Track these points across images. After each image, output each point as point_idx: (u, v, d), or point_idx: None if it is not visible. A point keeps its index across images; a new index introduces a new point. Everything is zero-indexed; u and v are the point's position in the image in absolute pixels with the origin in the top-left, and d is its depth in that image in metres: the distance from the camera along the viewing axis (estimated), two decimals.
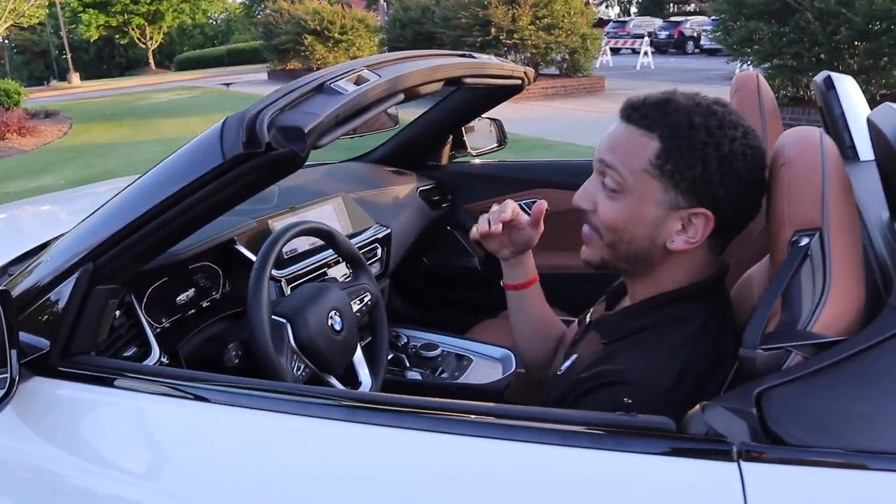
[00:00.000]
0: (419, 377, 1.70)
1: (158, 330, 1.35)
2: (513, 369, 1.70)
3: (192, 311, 1.46)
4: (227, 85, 20.86)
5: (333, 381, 1.32)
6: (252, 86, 20.64)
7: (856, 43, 8.02)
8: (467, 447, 0.82)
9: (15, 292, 1.09)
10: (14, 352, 0.98)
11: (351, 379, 1.40)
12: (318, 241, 1.70)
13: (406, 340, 1.80)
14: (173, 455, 1.00)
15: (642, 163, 0.94)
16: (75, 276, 1.05)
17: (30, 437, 1.03)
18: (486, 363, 1.77)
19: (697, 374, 0.91)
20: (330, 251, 1.76)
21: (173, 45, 47.65)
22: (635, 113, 0.97)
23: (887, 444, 0.71)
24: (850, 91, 1.53)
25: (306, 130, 0.96)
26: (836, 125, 1.49)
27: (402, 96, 1.29)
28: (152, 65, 43.48)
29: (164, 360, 1.28)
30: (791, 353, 0.81)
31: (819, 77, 1.62)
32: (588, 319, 1.18)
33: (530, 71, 1.94)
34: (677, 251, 0.97)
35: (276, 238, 1.31)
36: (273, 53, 22.27)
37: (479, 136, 2.48)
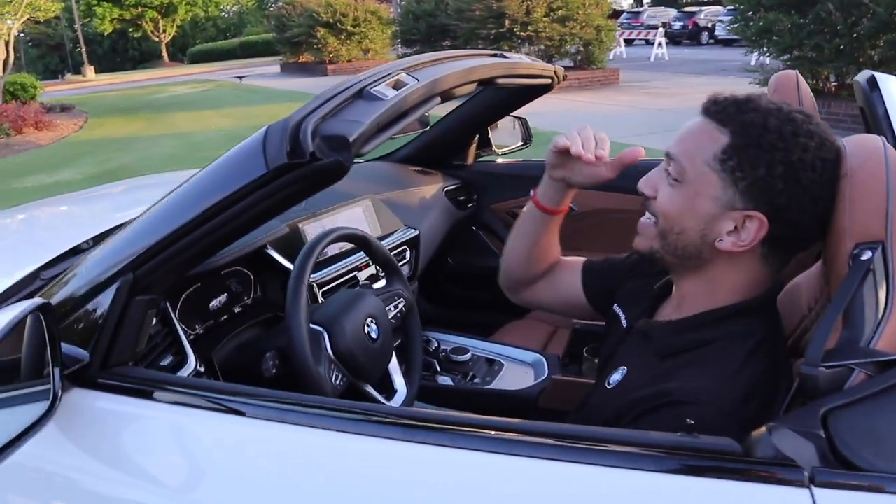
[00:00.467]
0: (450, 382, 1.68)
1: (192, 337, 1.34)
2: (545, 374, 1.68)
3: (225, 316, 1.45)
4: (240, 78, 20.86)
5: (370, 389, 1.30)
6: (265, 79, 20.63)
7: (878, 34, 7.91)
8: (522, 468, 0.80)
9: (53, 301, 1.08)
10: (57, 366, 0.97)
11: (386, 386, 1.38)
12: (348, 245, 1.68)
13: (436, 345, 1.78)
14: (211, 470, 0.99)
15: (706, 156, 0.94)
16: (115, 286, 1.04)
17: (71, 450, 1.02)
18: (517, 368, 1.75)
19: (761, 392, 0.89)
20: (360, 255, 1.74)
21: (186, 38, 47.73)
22: (714, 107, 0.96)
23: None
24: (893, 91, 1.49)
25: (351, 139, 0.94)
26: (879, 125, 1.45)
27: (439, 99, 1.27)
28: (165, 58, 43.57)
29: (201, 368, 1.27)
30: (853, 372, 0.79)
31: (861, 76, 1.58)
32: (625, 323, 1.16)
33: (560, 70, 1.92)
34: (726, 252, 0.95)
35: (314, 245, 1.29)
36: (285, 46, 22.27)
37: (504, 135, 2.46)
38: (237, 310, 1.47)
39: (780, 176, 0.90)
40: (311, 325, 1.23)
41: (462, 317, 2.39)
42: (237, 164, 0.99)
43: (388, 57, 21.43)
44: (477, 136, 2.37)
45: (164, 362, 1.23)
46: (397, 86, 1.15)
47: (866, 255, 0.85)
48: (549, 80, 1.86)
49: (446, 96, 1.31)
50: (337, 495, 0.88)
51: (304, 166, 0.93)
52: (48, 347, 0.96)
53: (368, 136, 0.99)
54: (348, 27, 20.24)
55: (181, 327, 1.30)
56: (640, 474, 0.75)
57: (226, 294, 1.45)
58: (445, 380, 1.68)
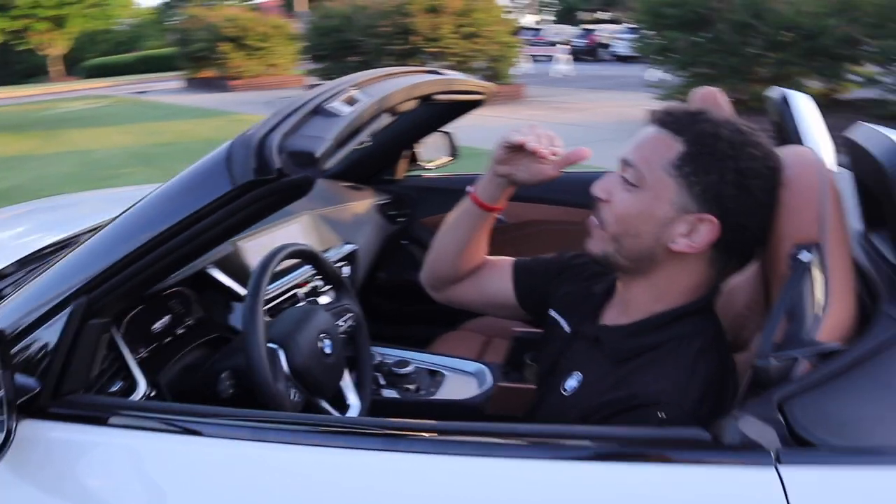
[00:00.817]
0: (396, 395, 1.69)
1: (137, 361, 1.30)
2: (489, 382, 1.71)
3: (169, 338, 1.41)
4: (142, 93, 20.17)
5: (325, 405, 1.30)
6: (167, 94, 20.05)
7: (766, 53, 8.44)
8: (501, 468, 0.83)
9: None
10: (9, 398, 0.92)
11: (339, 401, 1.38)
12: (287, 262, 1.67)
13: (379, 359, 1.78)
14: (173, 492, 0.97)
15: (663, 162, 0.99)
16: (68, 310, 1.00)
17: (26, 489, 0.97)
18: (459, 378, 1.78)
19: (714, 388, 0.94)
20: (299, 272, 1.74)
21: (80, 51, 45.72)
22: (668, 117, 1.02)
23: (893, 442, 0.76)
24: (803, 108, 1.61)
25: (318, 155, 0.95)
26: (791, 138, 1.56)
27: (387, 115, 1.30)
28: (58, 72, 41.60)
29: (152, 393, 1.23)
30: (799, 362, 0.86)
31: (776, 93, 1.70)
32: (568, 329, 1.19)
33: (492, 85, 1.97)
34: (678, 254, 1.00)
35: (266, 263, 1.28)
36: (188, 61, 21.69)
37: (431, 150, 2.49)
38: (180, 331, 1.44)
39: (731, 182, 0.96)
40: (267, 344, 1.22)
41: (395, 331, 2.39)
42: (199, 181, 0.98)
43: (295, 73, 21.21)
44: (406, 152, 2.39)
45: (113, 388, 1.19)
46: (350, 102, 1.16)
47: (805, 256, 0.93)
48: (481, 96, 1.91)
49: (392, 112, 1.34)
50: None
51: (270, 183, 0.93)
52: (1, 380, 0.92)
53: (331, 151, 1.00)
54: (253, 42, 19.94)
55: (127, 351, 1.26)
56: (619, 465, 0.79)
57: (168, 315, 1.41)
58: (391, 393, 1.68)
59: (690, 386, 0.94)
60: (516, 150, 1.15)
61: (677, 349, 0.99)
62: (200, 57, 20.74)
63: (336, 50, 16.00)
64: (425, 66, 1.79)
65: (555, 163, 1.15)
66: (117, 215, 1.08)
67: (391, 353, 1.84)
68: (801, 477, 0.74)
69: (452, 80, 1.73)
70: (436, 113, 2.17)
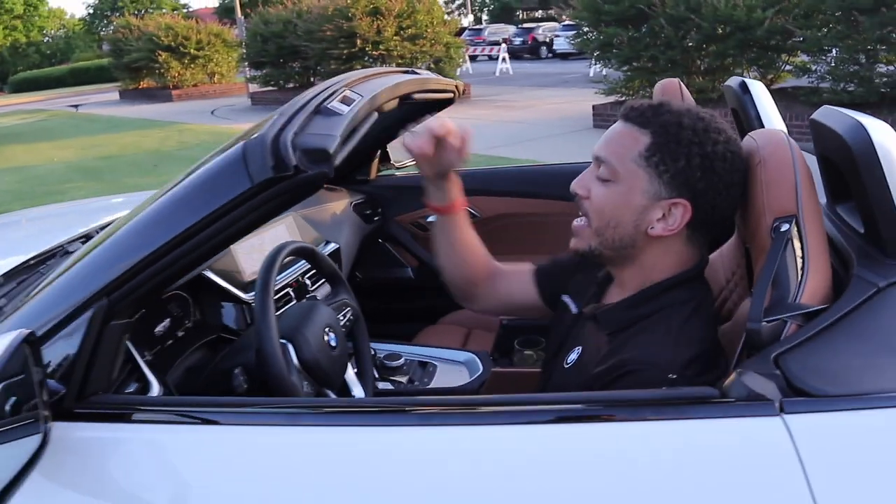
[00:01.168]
0: (390, 387, 1.73)
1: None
2: (480, 370, 1.77)
3: (170, 341, 1.43)
4: (76, 107, 19.65)
5: (333, 396, 1.34)
6: (104, 107, 19.57)
7: (704, 46, 8.71)
8: (533, 434, 0.90)
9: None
10: (43, 401, 0.95)
11: (345, 393, 1.42)
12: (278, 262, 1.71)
13: (372, 353, 1.83)
14: (195, 481, 1.00)
15: (633, 155, 1.07)
16: (89, 313, 1.03)
17: (56, 490, 0.99)
18: (450, 367, 1.83)
19: (702, 351, 1.02)
20: (288, 272, 1.77)
21: (6, 65, 44.30)
22: (632, 112, 1.09)
23: (880, 386, 0.86)
24: (762, 95, 1.72)
25: (331, 151, 1.00)
26: (752, 124, 1.67)
27: (377, 114, 1.35)
28: None
29: (164, 393, 1.26)
30: (787, 323, 0.95)
31: (733, 81, 1.80)
32: (575, 310, 1.27)
33: (461, 84, 2.04)
34: (657, 237, 1.08)
35: (273, 259, 1.31)
36: (124, 72, 21.27)
37: (400, 149, 2.54)
38: (180, 334, 1.46)
39: (698, 166, 1.05)
40: None
41: (376, 328, 2.44)
42: (216, 181, 1.02)
43: (237, 80, 20.95)
44: (379, 151, 2.44)
45: (129, 390, 1.21)
46: (346, 101, 1.21)
47: (784, 227, 1.02)
48: (452, 94, 1.97)
49: (379, 111, 1.39)
50: (320, 486, 0.93)
51: (288, 179, 0.97)
52: (33, 380, 0.94)
53: (340, 147, 1.05)
54: (192, 51, 19.65)
55: (136, 354, 1.28)
56: (642, 424, 0.86)
57: (168, 319, 1.43)
58: (386, 385, 1.73)
59: (678, 349, 1.01)
60: (433, 147, 1.25)
61: (668, 317, 1.06)
62: (137, 67, 20.35)
63: (277, 56, 15.90)
64: (381, 68, 1.84)
65: (456, 148, 1.26)
66: (129, 218, 1.11)
67: (381, 347, 1.89)
68: (803, 422, 0.82)
69: (427, 79, 1.79)
70: (406, 112, 2.22)
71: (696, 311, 1.08)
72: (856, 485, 0.79)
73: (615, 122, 1.14)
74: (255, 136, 1.02)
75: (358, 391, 1.44)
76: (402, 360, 1.81)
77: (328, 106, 1.15)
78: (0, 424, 0.90)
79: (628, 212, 1.08)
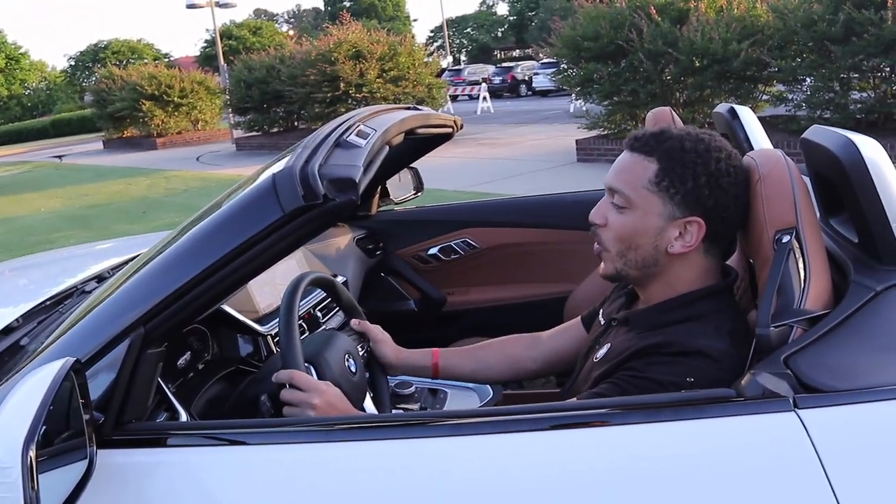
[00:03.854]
0: None
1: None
2: (490, 395, 1.81)
3: (192, 374, 1.47)
4: (60, 157, 19.67)
5: None
6: (88, 157, 19.63)
7: (682, 78, 8.92)
8: (555, 441, 0.94)
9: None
10: (91, 425, 0.98)
11: None
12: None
13: None
14: (227, 499, 1.04)
15: (644, 182, 1.13)
16: (126, 342, 1.07)
17: None
18: (460, 393, 1.87)
19: (741, 351, 1.07)
20: (303, 303, 1.81)
21: None
22: (637, 142, 1.16)
23: (885, 380, 0.91)
24: (750, 120, 1.80)
25: (357, 180, 1.06)
26: (741, 147, 1.74)
27: (387, 148, 1.41)
28: None
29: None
30: (794, 328, 1.00)
31: (722, 108, 1.89)
32: (603, 321, 1.33)
33: (459, 119, 2.11)
34: (677, 254, 1.15)
35: (297, 284, 1.36)
36: (108, 122, 21.39)
37: (398, 185, 2.61)
38: (201, 366, 1.50)
39: (705, 185, 1.12)
40: None
41: None
42: (248, 212, 1.07)
43: (221, 126, 21.10)
44: (379, 187, 2.50)
45: (159, 419, 1.25)
46: (362, 135, 1.27)
47: (786, 239, 1.08)
48: (451, 129, 2.04)
49: (389, 145, 1.45)
50: (343, 499, 0.98)
51: (317, 207, 1.03)
52: (80, 407, 0.97)
53: (363, 177, 1.11)
54: (175, 98, 19.81)
55: (164, 385, 1.32)
56: (663, 425, 0.91)
57: (189, 352, 1.47)
58: (399, 413, 1.76)
59: (722, 340, 1.07)
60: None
61: (690, 325, 1.12)
62: (121, 116, 20.47)
63: (261, 101, 16.07)
64: (386, 105, 1.91)
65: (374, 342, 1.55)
66: (160, 250, 1.16)
67: (391, 377, 1.92)
68: (817, 417, 0.87)
69: (429, 114, 1.86)
70: (405, 149, 2.29)
71: (722, 320, 1.13)
72: (869, 471, 0.85)
73: (612, 153, 1.21)
74: (283, 168, 1.08)
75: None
76: (412, 388, 1.85)
77: (347, 139, 1.21)
78: (51, 450, 0.93)
79: (647, 235, 1.14)
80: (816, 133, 1.25)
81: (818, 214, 1.38)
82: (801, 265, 1.08)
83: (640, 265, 1.17)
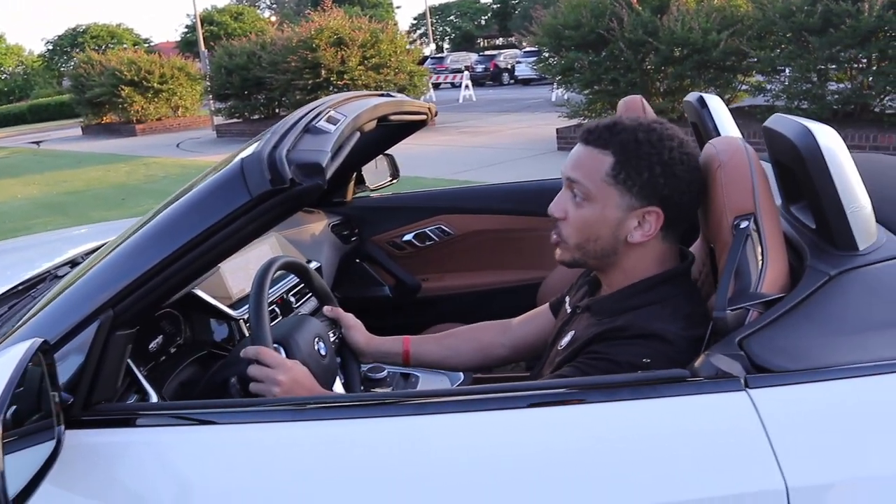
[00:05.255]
0: None
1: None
2: (461, 378, 1.84)
3: (164, 357, 1.48)
4: (38, 143, 19.44)
5: None
6: (67, 142, 19.40)
7: (662, 68, 8.97)
8: (517, 419, 0.97)
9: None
10: (57, 407, 0.99)
11: None
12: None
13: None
14: (198, 478, 1.05)
15: (601, 175, 1.16)
16: (95, 324, 1.08)
17: (69, 496, 1.03)
18: (432, 378, 1.89)
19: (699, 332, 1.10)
20: (276, 288, 1.83)
21: None
22: (591, 136, 1.19)
23: (833, 361, 0.94)
24: (719, 109, 1.83)
25: (324, 165, 1.07)
26: (710, 136, 1.77)
27: (359, 134, 1.42)
28: None
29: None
30: (750, 310, 1.03)
31: (692, 97, 1.92)
32: (569, 308, 1.36)
33: (433, 106, 2.12)
34: (636, 243, 1.17)
35: (267, 268, 1.37)
36: (87, 107, 21.13)
37: (374, 171, 2.62)
38: (173, 350, 1.51)
39: (661, 174, 1.14)
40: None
41: None
42: (216, 196, 1.08)
43: (201, 113, 20.92)
44: (354, 174, 2.51)
45: (130, 401, 1.26)
46: (332, 121, 1.29)
47: (744, 224, 1.11)
48: (425, 116, 2.05)
49: (361, 131, 1.46)
50: (314, 477, 0.99)
51: (284, 192, 1.04)
52: (48, 387, 0.98)
53: (330, 162, 1.13)
54: (155, 84, 19.61)
55: (134, 368, 1.33)
56: (623, 404, 0.94)
57: (161, 335, 1.48)
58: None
59: (677, 324, 1.10)
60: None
61: (651, 309, 1.14)
62: (100, 102, 20.24)
63: (242, 88, 15.95)
64: (359, 92, 1.92)
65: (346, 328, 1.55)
66: (131, 233, 1.17)
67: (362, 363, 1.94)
68: (766, 395, 0.90)
69: (402, 101, 1.87)
70: (378, 136, 2.30)
71: (680, 303, 1.16)
72: (815, 449, 0.88)
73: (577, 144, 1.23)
74: (251, 153, 1.09)
75: None
76: (384, 373, 1.87)
77: (316, 125, 1.23)
78: (19, 431, 0.94)
79: (606, 226, 1.17)
80: (777, 121, 1.28)
81: (779, 201, 1.42)
82: (758, 250, 1.11)
83: (600, 255, 1.20)
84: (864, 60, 7.71)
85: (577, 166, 1.18)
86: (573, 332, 1.25)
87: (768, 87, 8.57)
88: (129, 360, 1.30)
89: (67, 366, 1.08)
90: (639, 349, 1.07)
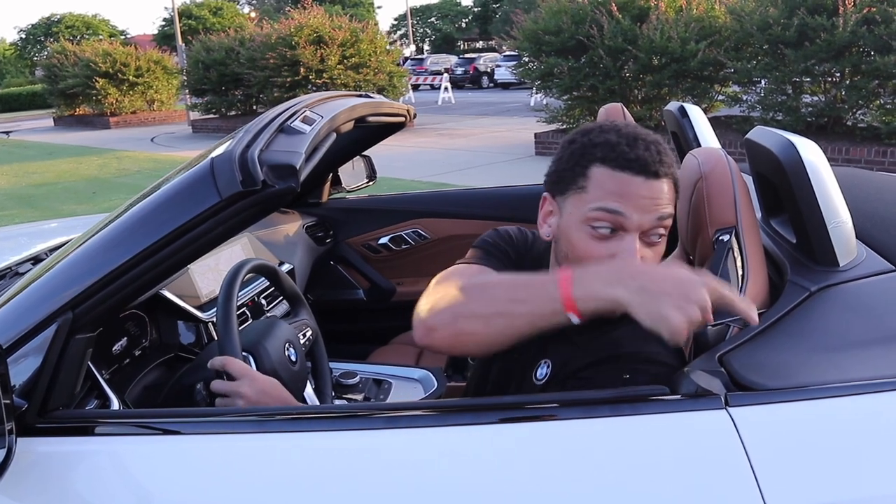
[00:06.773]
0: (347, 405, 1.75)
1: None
2: (435, 386, 1.81)
3: (127, 360, 1.43)
4: (7, 133, 19.04)
5: None
6: (38, 133, 19.06)
7: (641, 76, 9.03)
8: (496, 434, 0.94)
9: None
10: (9, 413, 0.94)
11: None
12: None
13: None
14: (158, 491, 1.01)
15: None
16: (53, 326, 1.03)
17: None
18: (405, 384, 1.86)
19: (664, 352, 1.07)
20: (247, 290, 1.78)
21: None
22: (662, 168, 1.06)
23: (814, 380, 0.92)
24: (699, 119, 1.82)
25: (297, 167, 1.03)
26: (690, 146, 1.76)
27: (335, 135, 1.38)
28: None
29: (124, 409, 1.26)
30: (730, 326, 1.01)
31: (672, 106, 1.91)
32: None
33: (412, 108, 2.09)
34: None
35: (236, 272, 1.33)
36: (59, 98, 20.77)
37: (350, 173, 2.58)
38: (137, 352, 1.46)
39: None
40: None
41: (331, 349, 2.46)
42: (184, 196, 1.04)
43: (177, 108, 20.68)
44: (331, 175, 2.47)
45: (89, 406, 1.21)
46: (307, 121, 1.25)
47: (725, 238, 1.09)
48: (403, 118, 2.02)
49: (337, 132, 1.43)
50: (281, 491, 0.95)
51: (256, 193, 1.00)
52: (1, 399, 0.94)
53: (304, 164, 1.09)
54: (130, 77, 19.34)
55: (95, 371, 1.28)
56: (601, 420, 0.91)
57: (126, 337, 1.43)
58: (342, 403, 1.75)
59: (647, 348, 1.06)
60: None
61: (638, 329, 1.11)
62: (73, 94, 19.91)
63: (219, 83, 15.79)
64: (336, 92, 1.88)
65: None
66: (94, 232, 1.12)
67: (336, 366, 1.90)
68: (746, 413, 0.88)
69: (381, 102, 1.83)
70: (355, 137, 2.27)
71: None
72: (794, 467, 0.86)
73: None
74: (222, 152, 1.05)
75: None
76: (357, 378, 1.83)
77: (291, 125, 1.19)
78: None
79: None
80: (759, 134, 1.26)
81: (760, 215, 1.40)
82: (739, 264, 1.10)
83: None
84: (838, 74, 7.81)
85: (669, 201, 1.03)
86: (548, 361, 1.17)
87: (744, 97, 8.66)
88: (90, 363, 1.26)
89: (22, 370, 1.03)
90: (630, 373, 1.03)
